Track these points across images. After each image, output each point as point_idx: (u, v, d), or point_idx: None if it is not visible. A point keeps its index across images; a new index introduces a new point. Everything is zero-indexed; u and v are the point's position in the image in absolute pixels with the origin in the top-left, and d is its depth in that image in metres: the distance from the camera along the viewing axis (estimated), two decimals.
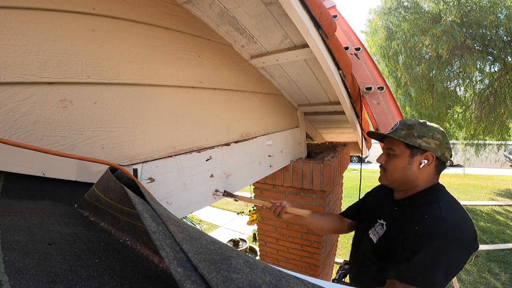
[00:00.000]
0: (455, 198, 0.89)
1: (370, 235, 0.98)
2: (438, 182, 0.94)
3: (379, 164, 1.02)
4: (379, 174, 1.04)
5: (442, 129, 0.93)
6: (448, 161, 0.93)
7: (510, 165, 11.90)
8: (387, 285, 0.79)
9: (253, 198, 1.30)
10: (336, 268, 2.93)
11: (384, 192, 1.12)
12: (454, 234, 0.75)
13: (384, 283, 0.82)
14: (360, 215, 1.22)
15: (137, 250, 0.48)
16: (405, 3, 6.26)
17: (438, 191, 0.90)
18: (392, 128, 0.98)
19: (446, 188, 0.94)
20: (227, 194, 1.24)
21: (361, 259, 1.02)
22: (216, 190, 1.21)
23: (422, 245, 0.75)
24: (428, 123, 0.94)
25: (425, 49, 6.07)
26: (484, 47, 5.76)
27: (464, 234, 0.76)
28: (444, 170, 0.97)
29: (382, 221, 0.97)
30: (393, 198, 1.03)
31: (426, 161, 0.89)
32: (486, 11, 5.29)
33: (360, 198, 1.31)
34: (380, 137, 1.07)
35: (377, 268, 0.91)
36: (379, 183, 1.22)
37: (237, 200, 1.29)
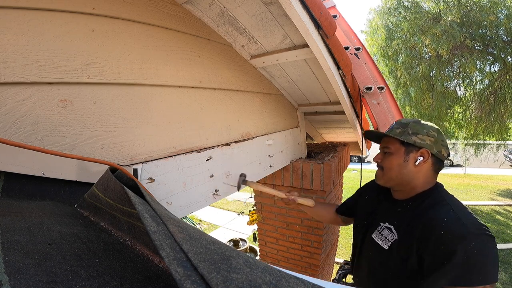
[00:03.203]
0: (454, 196, 0.89)
1: (375, 240, 0.95)
2: (437, 182, 0.94)
3: (376, 164, 1.02)
4: (376, 174, 1.02)
5: (437, 126, 0.93)
6: (447, 160, 0.92)
7: (510, 165, 11.90)
8: None
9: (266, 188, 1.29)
10: (336, 268, 2.93)
11: (378, 190, 1.09)
12: (479, 229, 0.75)
13: None
14: (356, 214, 1.20)
15: (137, 250, 0.48)
16: (405, 3, 6.26)
17: (440, 191, 0.90)
18: (388, 128, 0.99)
19: (445, 188, 0.94)
20: (244, 182, 1.22)
21: (369, 265, 0.99)
22: (216, 190, 1.21)
23: (458, 248, 0.73)
24: (422, 121, 0.94)
25: (425, 49, 6.07)
26: (484, 47, 5.76)
27: (483, 226, 0.77)
28: (444, 170, 0.95)
29: (387, 225, 0.93)
30: (392, 198, 1.01)
31: (422, 158, 0.89)
32: (486, 11, 5.29)
33: (354, 194, 1.30)
34: (377, 137, 1.08)
35: (395, 275, 0.88)
36: (369, 181, 1.21)
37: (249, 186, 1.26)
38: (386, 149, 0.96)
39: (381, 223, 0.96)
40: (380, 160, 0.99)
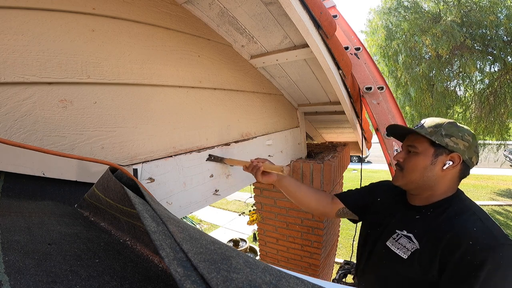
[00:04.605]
0: (476, 203, 0.84)
1: (391, 248, 0.88)
2: (458, 189, 0.87)
3: (396, 162, 0.93)
4: (395, 174, 0.94)
5: (472, 131, 0.85)
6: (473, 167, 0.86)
7: (510, 165, 11.90)
8: None
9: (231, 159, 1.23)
10: (336, 268, 2.92)
11: (393, 193, 1.01)
12: (506, 239, 0.71)
13: None
14: (366, 213, 1.10)
15: (137, 250, 0.48)
16: (405, 3, 6.26)
17: (463, 199, 0.84)
18: (417, 125, 0.90)
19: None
20: (215, 158, 1.17)
21: (381, 273, 0.93)
22: (216, 190, 1.21)
23: (486, 259, 0.69)
24: (458, 123, 0.86)
25: (425, 49, 6.07)
26: (484, 47, 5.76)
27: (507, 235, 0.73)
28: None
29: (405, 233, 0.86)
30: (409, 204, 0.93)
31: (451, 163, 0.81)
32: (486, 11, 5.29)
33: (364, 188, 1.16)
34: (402, 133, 0.96)
35: (413, 286, 0.83)
36: (382, 180, 1.14)
37: (225, 163, 1.21)
38: (412, 148, 0.87)
39: (397, 231, 0.89)
40: (402, 159, 0.90)
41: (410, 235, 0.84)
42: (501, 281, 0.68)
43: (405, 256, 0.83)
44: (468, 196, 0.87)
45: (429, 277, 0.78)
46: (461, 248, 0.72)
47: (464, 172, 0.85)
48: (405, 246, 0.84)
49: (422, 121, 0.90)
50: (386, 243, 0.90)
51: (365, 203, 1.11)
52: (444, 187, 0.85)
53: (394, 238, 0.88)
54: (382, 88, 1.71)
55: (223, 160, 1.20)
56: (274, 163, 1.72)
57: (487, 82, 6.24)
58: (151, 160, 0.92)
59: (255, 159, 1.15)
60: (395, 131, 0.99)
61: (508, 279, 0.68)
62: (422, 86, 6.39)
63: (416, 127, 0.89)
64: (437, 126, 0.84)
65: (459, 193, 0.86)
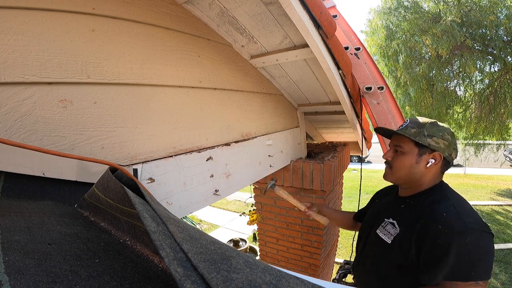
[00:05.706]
0: (458, 193, 0.90)
1: (379, 235, 0.96)
2: (442, 180, 0.95)
3: (385, 161, 1.01)
4: (385, 171, 1.02)
5: (451, 130, 0.93)
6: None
7: (510, 165, 11.89)
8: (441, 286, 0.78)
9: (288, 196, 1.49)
10: (336, 268, 2.93)
11: (388, 192, 1.13)
12: (477, 225, 0.76)
13: (411, 285, 0.85)
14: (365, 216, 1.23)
15: (137, 250, 0.48)
16: (405, 3, 6.25)
17: (444, 189, 0.91)
18: (402, 125, 0.97)
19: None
20: (273, 186, 1.37)
21: (372, 260, 1.00)
22: (216, 190, 1.21)
23: (453, 242, 0.74)
24: (438, 123, 0.93)
25: (425, 49, 6.07)
26: (484, 47, 5.75)
27: (482, 223, 0.78)
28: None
29: (391, 220, 0.95)
30: (398, 195, 1.03)
31: (433, 161, 0.90)
32: (486, 11, 5.28)
33: (369, 201, 1.33)
34: (389, 134, 1.05)
35: (397, 268, 0.89)
36: (383, 186, 1.23)
37: (277, 192, 1.42)
38: (398, 148, 0.96)
39: (385, 219, 0.98)
40: (390, 158, 0.99)
41: (394, 221, 0.94)
42: (466, 263, 0.73)
43: (389, 241, 0.92)
44: (464, 194, 0.91)
45: (409, 261, 0.85)
46: (432, 231, 0.79)
47: (445, 166, 0.94)
48: (389, 232, 0.94)
49: (406, 121, 0.97)
50: (376, 231, 0.99)
51: (367, 211, 1.25)
52: (429, 180, 0.94)
53: (382, 226, 0.98)
54: (382, 88, 1.71)
55: (276, 189, 1.38)
56: (275, 163, 1.73)
57: (487, 82, 6.23)
58: (151, 160, 0.92)
59: (309, 207, 1.49)
60: (382, 131, 1.09)
61: (473, 260, 0.73)
62: (422, 86, 6.37)
63: (400, 128, 0.96)
64: (420, 127, 0.92)
65: (441, 184, 0.94)
